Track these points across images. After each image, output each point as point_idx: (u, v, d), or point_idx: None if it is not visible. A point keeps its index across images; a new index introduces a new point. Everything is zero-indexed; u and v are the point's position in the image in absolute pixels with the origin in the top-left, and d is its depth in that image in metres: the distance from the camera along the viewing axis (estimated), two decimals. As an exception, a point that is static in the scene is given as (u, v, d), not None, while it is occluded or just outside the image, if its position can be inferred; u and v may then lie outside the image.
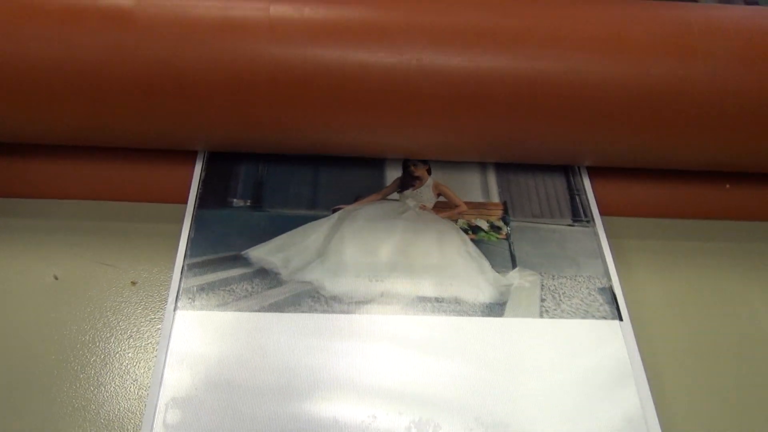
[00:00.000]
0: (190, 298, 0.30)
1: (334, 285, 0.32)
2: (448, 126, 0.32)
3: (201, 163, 0.36)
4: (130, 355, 0.29)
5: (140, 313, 0.31)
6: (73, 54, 0.29)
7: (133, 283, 0.31)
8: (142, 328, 0.30)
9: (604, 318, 0.31)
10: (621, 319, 0.31)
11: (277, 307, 0.31)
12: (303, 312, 0.30)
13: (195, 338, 0.29)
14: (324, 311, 0.30)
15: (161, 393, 0.27)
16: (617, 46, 0.31)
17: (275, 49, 0.30)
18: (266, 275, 0.32)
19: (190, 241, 0.32)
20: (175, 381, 0.28)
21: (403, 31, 0.30)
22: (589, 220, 0.35)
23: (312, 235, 0.33)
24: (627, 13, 0.32)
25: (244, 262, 0.32)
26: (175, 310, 0.30)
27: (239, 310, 0.30)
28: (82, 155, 0.36)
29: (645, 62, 0.30)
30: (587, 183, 0.36)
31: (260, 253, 0.33)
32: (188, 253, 0.32)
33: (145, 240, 0.33)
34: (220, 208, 0.34)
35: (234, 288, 0.31)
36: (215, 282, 0.31)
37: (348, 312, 0.31)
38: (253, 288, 0.31)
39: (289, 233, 0.33)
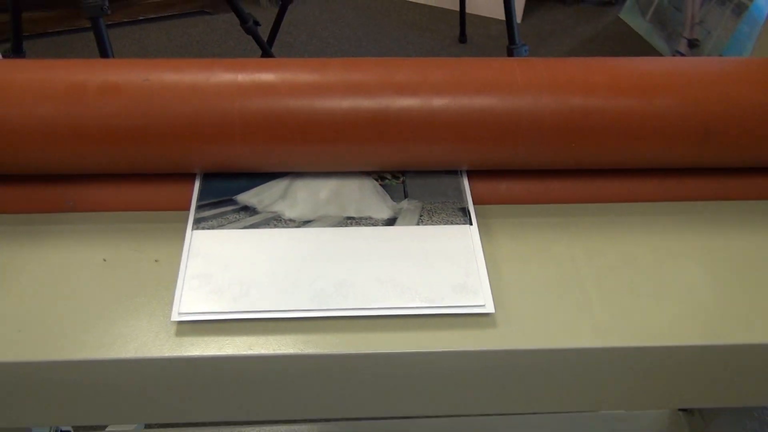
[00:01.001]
0: (200, 225, 0.49)
1: (291, 213, 0.50)
2: (368, 153, 0.49)
3: (199, 179, 0.53)
4: (158, 270, 0.48)
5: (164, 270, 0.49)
6: (110, 121, 0.47)
7: (156, 261, 0.48)
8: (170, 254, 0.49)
9: (460, 224, 0.50)
10: (471, 224, 0.50)
11: (255, 226, 0.49)
12: (270, 228, 0.49)
13: (205, 244, 0.48)
14: (284, 227, 0.49)
15: (187, 272, 0.46)
16: (486, 89, 0.48)
17: (245, 102, 0.47)
18: (247, 209, 0.50)
19: (199, 192, 0.51)
20: (195, 266, 0.46)
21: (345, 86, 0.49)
22: (458, 173, 0.53)
23: (278, 185, 0.52)
24: (503, 67, 0.49)
25: (233, 202, 0.51)
26: (192, 230, 0.48)
27: (230, 229, 0.49)
28: (118, 180, 0.52)
29: (510, 101, 0.48)
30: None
31: (244, 197, 0.51)
32: (198, 198, 0.50)
33: (161, 233, 0.50)
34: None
35: (227, 217, 0.50)
36: (215, 215, 0.50)
37: (299, 227, 0.49)
38: (239, 217, 0.50)
39: (263, 185, 0.52)
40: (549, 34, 2.22)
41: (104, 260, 0.47)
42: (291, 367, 0.42)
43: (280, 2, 1.68)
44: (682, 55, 2.09)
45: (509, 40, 1.47)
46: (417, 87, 0.47)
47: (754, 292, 0.46)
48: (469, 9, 2.13)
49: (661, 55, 2.14)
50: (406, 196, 0.52)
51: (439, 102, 0.46)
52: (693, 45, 2.06)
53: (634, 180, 0.52)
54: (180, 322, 0.44)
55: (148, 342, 0.42)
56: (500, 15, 2.27)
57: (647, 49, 2.18)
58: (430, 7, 2.33)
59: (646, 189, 0.52)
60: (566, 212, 0.52)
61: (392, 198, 0.52)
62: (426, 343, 0.42)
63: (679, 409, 0.79)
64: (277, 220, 0.50)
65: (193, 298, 0.44)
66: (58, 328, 0.42)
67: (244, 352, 0.42)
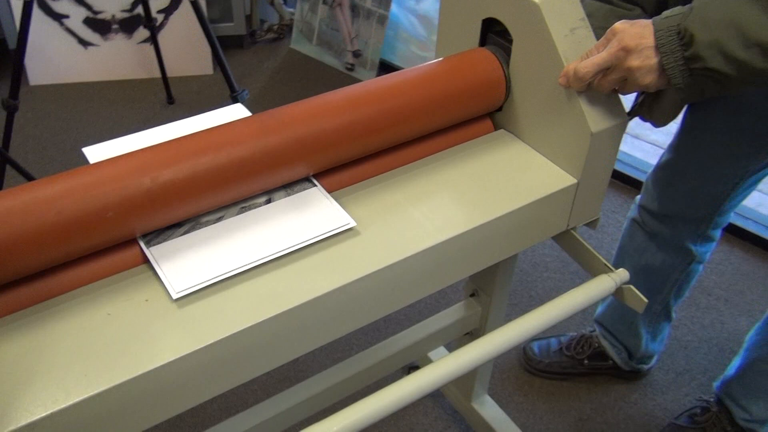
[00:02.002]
0: (152, 242, 0.70)
1: (209, 216, 0.74)
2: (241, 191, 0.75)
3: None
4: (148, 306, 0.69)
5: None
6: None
7: (147, 300, 0.68)
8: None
9: (309, 189, 0.78)
10: (315, 185, 0.78)
11: (190, 230, 0.72)
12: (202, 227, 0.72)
13: (163, 250, 0.69)
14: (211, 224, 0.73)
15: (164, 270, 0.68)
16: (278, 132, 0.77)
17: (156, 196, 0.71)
18: (182, 224, 0.73)
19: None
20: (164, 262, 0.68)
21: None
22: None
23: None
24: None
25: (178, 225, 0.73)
26: (149, 249, 0.70)
27: (176, 237, 0.71)
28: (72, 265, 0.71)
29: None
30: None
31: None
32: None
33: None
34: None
35: (172, 233, 0.72)
36: (164, 237, 0.72)
37: (218, 222, 0.73)
38: (177, 230, 0.72)
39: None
40: (243, 75, 2.54)
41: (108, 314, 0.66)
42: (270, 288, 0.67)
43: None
44: (353, 65, 2.55)
45: (230, 89, 1.75)
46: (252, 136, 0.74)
47: (490, 187, 0.81)
48: (169, 73, 2.35)
49: (335, 69, 2.58)
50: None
51: (275, 140, 0.74)
52: (357, 55, 2.54)
53: (408, 149, 0.85)
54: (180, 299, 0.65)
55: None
56: (196, 72, 2.53)
57: (323, 68, 2.61)
58: (133, 80, 2.49)
59: (418, 151, 0.85)
60: (380, 179, 0.83)
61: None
62: (325, 256, 0.71)
63: (470, 296, 1.16)
64: (198, 223, 0.73)
65: (180, 279, 0.66)
66: (109, 360, 0.61)
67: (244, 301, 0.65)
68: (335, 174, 0.81)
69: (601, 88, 0.77)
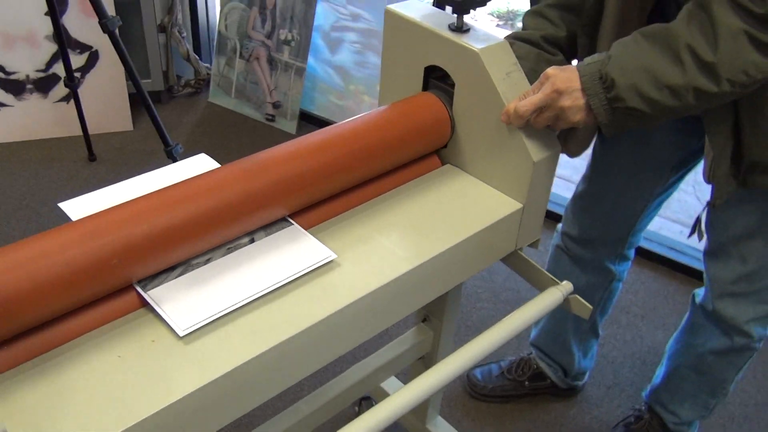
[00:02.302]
0: (147, 287, 0.74)
1: (199, 259, 0.78)
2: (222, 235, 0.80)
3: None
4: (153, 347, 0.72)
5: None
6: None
7: (153, 341, 0.71)
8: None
9: (287, 227, 0.84)
10: (291, 224, 0.84)
11: (183, 272, 0.77)
12: (192, 270, 0.77)
13: (162, 294, 0.73)
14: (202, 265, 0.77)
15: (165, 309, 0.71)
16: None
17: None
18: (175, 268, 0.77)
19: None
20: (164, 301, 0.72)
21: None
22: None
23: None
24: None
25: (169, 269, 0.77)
26: (147, 292, 0.74)
27: (171, 280, 0.75)
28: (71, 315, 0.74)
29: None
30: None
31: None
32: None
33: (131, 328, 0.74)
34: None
35: (167, 275, 0.76)
36: (160, 280, 0.75)
37: (206, 264, 0.78)
38: (172, 273, 0.76)
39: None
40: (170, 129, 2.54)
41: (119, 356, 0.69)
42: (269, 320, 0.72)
43: None
44: (273, 116, 2.62)
45: (164, 143, 1.78)
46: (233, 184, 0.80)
47: (449, 216, 0.90)
48: (89, 130, 2.34)
49: (256, 120, 2.64)
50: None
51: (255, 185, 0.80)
52: (277, 106, 2.61)
53: (369, 187, 0.93)
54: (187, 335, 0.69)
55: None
56: (116, 128, 2.53)
57: (243, 119, 2.66)
58: (50, 139, 2.45)
59: (377, 188, 0.93)
60: (347, 215, 0.89)
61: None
62: (314, 286, 0.76)
63: (422, 321, 1.23)
64: (189, 266, 0.77)
65: (183, 317, 0.71)
66: (127, 400, 0.64)
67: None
68: (307, 213, 0.87)
69: (537, 124, 0.88)
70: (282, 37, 2.52)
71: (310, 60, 2.52)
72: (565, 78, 0.85)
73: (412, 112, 0.94)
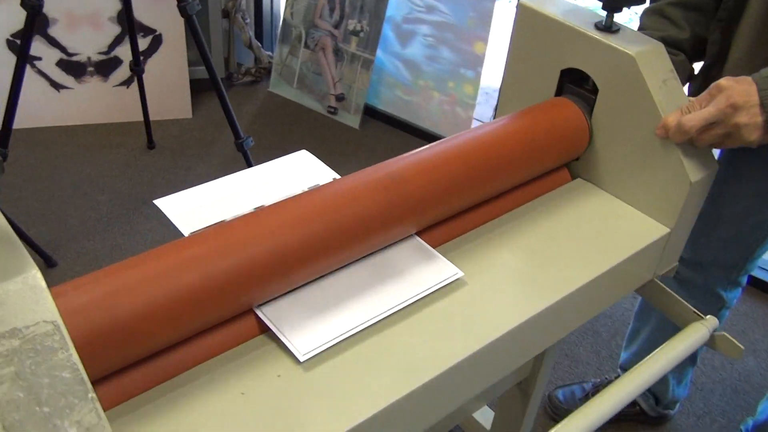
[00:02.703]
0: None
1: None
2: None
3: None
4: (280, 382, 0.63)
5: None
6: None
7: (279, 376, 0.63)
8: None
9: (410, 238, 0.74)
10: (415, 236, 0.75)
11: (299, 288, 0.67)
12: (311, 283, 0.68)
13: (276, 311, 0.64)
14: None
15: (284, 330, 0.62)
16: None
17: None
18: (292, 309, 0.68)
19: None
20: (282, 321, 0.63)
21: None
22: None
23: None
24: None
25: (279, 308, 0.68)
26: (256, 308, 0.65)
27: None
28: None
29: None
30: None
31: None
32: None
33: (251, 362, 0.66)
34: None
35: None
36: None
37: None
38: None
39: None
40: (223, 119, 2.47)
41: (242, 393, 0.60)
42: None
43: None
44: (336, 109, 2.53)
45: (235, 136, 1.69)
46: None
47: (588, 240, 0.80)
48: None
49: (317, 113, 2.56)
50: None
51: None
52: (340, 99, 2.52)
53: (495, 203, 0.83)
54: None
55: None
56: (175, 115, 2.46)
57: (304, 111, 2.58)
58: (109, 124, 2.40)
59: (503, 205, 0.83)
60: (475, 234, 0.80)
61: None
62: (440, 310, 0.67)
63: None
64: None
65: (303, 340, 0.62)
66: None
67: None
68: (431, 230, 0.77)
69: (702, 141, 0.77)
70: (350, 28, 2.43)
71: (378, 52, 2.42)
72: (742, 91, 0.74)
73: (549, 118, 0.83)
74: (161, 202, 0.78)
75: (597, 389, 1.50)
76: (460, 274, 0.71)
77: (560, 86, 0.88)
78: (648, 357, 0.80)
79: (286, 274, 0.63)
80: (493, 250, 0.77)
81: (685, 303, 0.85)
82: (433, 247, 0.76)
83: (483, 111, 2.58)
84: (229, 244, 0.60)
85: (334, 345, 0.63)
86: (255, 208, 0.78)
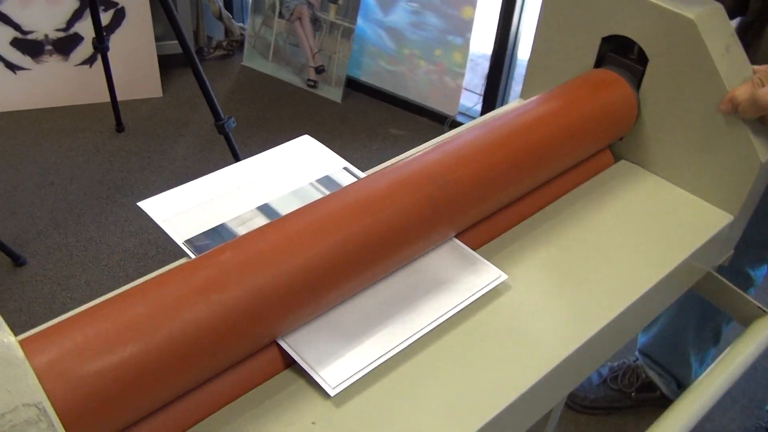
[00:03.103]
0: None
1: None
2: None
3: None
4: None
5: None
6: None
7: (313, 423, 0.51)
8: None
9: (448, 240, 0.64)
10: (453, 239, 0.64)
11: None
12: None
13: (300, 340, 0.53)
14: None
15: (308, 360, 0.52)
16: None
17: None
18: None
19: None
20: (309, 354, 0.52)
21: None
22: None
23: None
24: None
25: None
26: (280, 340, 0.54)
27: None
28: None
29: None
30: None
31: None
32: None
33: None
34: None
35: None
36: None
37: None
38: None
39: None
40: (196, 96, 2.32)
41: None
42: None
43: None
44: (315, 82, 2.39)
45: (215, 117, 1.56)
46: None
47: (647, 233, 0.69)
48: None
49: (296, 87, 2.42)
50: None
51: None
52: (320, 71, 2.38)
53: (534, 195, 0.72)
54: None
55: None
56: (144, 95, 2.30)
57: (282, 85, 2.43)
58: (72, 106, 2.23)
59: (544, 196, 0.72)
60: (518, 232, 0.69)
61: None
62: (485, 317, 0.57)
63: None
64: None
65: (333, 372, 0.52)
66: None
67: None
68: (470, 231, 0.66)
69: None
70: (328, -5, 2.28)
71: (359, 20, 2.28)
72: None
73: (592, 94, 0.72)
74: (146, 205, 0.66)
75: (615, 374, 1.42)
76: (504, 276, 0.61)
77: (600, 56, 0.77)
78: (716, 362, 0.71)
79: (315, 299, 0.52)
80: (540, 250, 0.67)
81: (748, 297, 0.76)
82: (473, 250, 0.65)
83: (470, 79, 2.46)
84: (244, 266, 0.49)
85: (369, 373, 0.52)
86: (257, 208, 0.66)
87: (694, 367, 1.35)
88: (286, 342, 0.53)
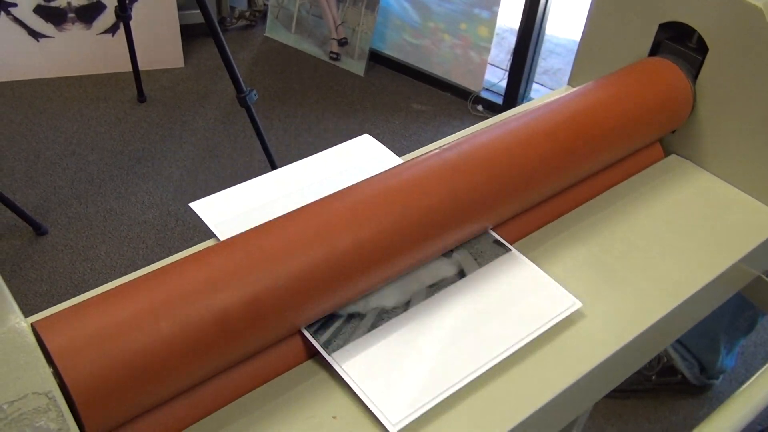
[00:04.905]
0: (330, 347, 0.52)
1: (388, 301, 0.56)
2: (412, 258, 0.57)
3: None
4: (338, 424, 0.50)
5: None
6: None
7: (334, 418, 0.49)
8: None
9: (504, 253, 0.61)
10: (510, 250, 0.61)
11: (374, 326, 0.54)
12: (384, 321, 0.54)
13: (350, 360, 0.51)
14: (395, 316, 0.55)
15: (365, 390, 0.49)
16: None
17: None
18: (354, 316, 0.54)
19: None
20: (362, 380, 0.50)
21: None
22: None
23: (360, 306, 0.57)
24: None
25: (338, 316, 0.54)
26: (330, 355, 0.52)
27: (360, 337, 0.53)
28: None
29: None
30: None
31: (346, 309, 0.55)
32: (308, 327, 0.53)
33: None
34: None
35: (345, 329, 0.53)
36: (333, 333, 0.53)
37: (405, 311, 0.55)
38: (355, 324, 0.54)
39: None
40: (217, 67, 2.29)
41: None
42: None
43: None
44: (338, 55, 2.35)
45: (237, 89, 1.53)
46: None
47: (696, 233, 0.66)
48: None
49: (318, 59, 2.38)
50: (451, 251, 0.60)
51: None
52: (343, 44, 2.34)
53: (579, 188, 0.69)
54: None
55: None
56: (165, 65, 2.28)
57: (304, 57, 2.40)
58: (94, 75, 2.21)
59: (588, 189, 0.69)
60: (558, 227, 0.66)
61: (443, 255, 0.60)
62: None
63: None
64: (384, 312, 0.54)
65: (393, 405, 0.49)
66: None
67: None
68: (508, 223, 0.64)
69: None
70: (355, -35, 2.23)
71: (385, -8, 2.23)
72: None
73: (646, 83, 0.69)
74: (198, 206, 0.64)
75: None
76: (579, 304, 0.57)
77: (656, 44, 0.73)
78: (760, 372, 0.68)
79: (342, 286, 0.50)
80: (579, 248, 0.64)
81: (800, 301, 0.73)
82: (512, 243, 0.63)
83: (496, 54, 2.41)
84: (270, 251, 0.47)
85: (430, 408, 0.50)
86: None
87: (722, 353, 1.32)
88: (343, 369, 0.51)
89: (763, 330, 1.59)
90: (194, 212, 0.63)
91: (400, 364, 0.51)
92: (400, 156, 0.71)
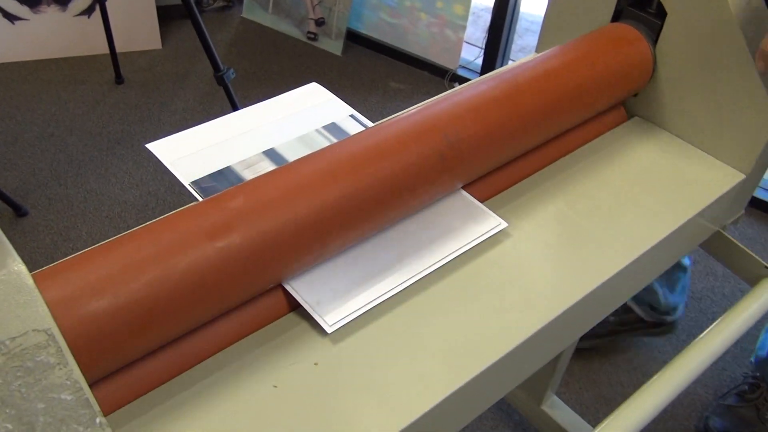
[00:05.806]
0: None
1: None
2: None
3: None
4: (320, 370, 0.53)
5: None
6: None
7: (316, 364, 0.52)
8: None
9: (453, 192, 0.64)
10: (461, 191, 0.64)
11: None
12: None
13: (301, 285, 0.54)
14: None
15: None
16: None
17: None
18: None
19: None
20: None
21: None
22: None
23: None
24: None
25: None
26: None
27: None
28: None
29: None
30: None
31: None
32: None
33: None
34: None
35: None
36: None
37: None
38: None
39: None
40: (195, 49, 2.30)
41: (274, 386, 0.51)
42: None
43: None
44: (315, 35, 2.36)
45: (214, 68, 1.54)
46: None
47: (656, 190, 0.70)
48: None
49: (296, 39, 2.39)
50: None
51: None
52: (320, 23, 2.35)
53: (544, 149, 0.72)
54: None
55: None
56: (143, 46, 2.27)
57: (282, 38, 2.40)
58: (71, 58, 2.20)
59: (554, 150, 0.73)
60: (526, 186, 0.69)
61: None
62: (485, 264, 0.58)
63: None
64: None
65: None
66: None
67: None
68: (476, 183, 0.67)
69: None
70: (330, -55, 2.23)
71: (361, -29, 2.24)
72: None
73: (607, 48, 0.72)
74: (154, 147, 0.66)
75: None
76: (504, 224, 0.62)
77: (618, 10, 0.76)
78: (722, 318, 0.72)
79: (321, 245, 0.53)
80: (547, 204, 0.67)
81: (756, 257, 0.77)
82: (481, 202, 0.66)
83: (472, 32, 2.43)
84: (252, 210, 0.49)
85: (369, 315, 0.55)
86: (263, 152, 0.67)
87: (661, 293, 1.38)
88: (290, 285, 0.54)
89: (733, 296, 1.64)
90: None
91: (343, 281, 0.56)
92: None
